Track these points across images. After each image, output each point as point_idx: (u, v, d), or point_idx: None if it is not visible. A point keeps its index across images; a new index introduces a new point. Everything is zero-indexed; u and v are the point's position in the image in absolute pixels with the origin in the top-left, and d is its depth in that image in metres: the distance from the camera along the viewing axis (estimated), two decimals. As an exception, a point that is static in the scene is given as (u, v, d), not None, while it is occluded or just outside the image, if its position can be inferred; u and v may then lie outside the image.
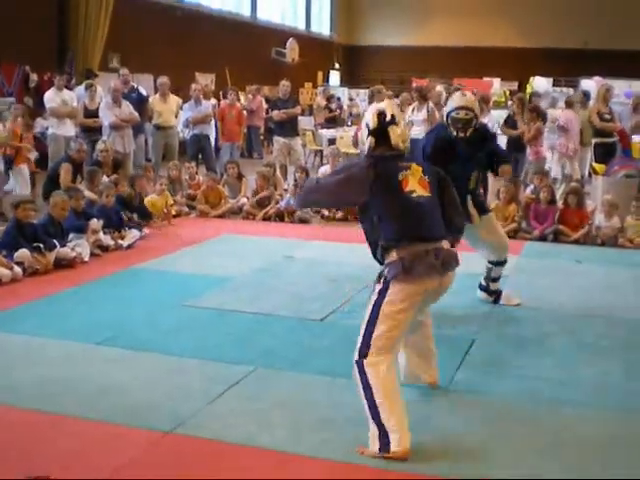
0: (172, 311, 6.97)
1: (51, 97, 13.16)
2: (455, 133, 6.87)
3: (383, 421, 4.26)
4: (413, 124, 13.77)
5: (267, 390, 5.20)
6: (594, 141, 13.84)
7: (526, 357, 6.00)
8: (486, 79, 27.19)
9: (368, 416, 4.31)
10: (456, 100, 7.02)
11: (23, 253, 8.10)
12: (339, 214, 12.22)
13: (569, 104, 13.96)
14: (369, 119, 4.85)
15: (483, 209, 7.21)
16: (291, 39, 28.48)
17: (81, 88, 14.29)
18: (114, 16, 18.88)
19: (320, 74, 31.98)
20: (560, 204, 11.44)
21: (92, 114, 13.09)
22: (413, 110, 13.99)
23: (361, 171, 4.64)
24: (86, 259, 8.79)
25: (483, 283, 7.71)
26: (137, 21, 20.12)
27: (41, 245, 8.32)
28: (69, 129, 13.13)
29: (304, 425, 4.62)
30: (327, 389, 5.23)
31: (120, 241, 9.63)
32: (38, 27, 17.40)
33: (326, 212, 12.23)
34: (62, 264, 8.47)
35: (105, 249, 9.36)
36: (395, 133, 4.79)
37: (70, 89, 14.29)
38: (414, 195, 4.59)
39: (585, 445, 4.46)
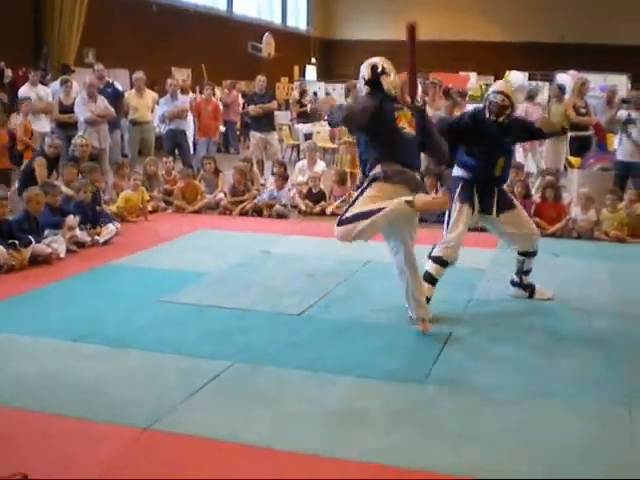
0: (149, 307, 6.95)
1: (26, 92, 13.09)
2: (488, 115, 7.10)
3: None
4: None
5: (245, 385, 5.20)
6: (569, 135, 13.90)
7: (504, 350, 6.03)
8: (462, 73, 27.23)
9: None
10: (497, 85, 7.54)
11: (-1, 250, 8.06)
12: (317, 208, 12.22)
13: (530, 97, 14.15)
14: (364, 72, 6.14)
15: (509, 205, 7.26)
16: (267, 33, 28.43)
17: (57, 83, 14.22)
18: (89, 11, 18.80)
19: (296, 69, 31.97)
20: (536, 198, 11.51)
21: (67, 109, 13.02)
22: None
23: (369, 103, 5.94)
24: (62, 255, 8.74)
25: (515, 278, 7.67)
26: (112, 16, 20.04)
27: (16, 242, 8.27)
28: (44, 125, 13.06)
29: (283, 419, 4.62)
30: (305, 383, 5.23)
31: (96, 237, 9.59)
32: (13, 22, 17.30)
33: (303, 207, 12.24)
34: (38, 260, 8.42)
35: (81, 245, 9.32)
36: (387, 81, 6.09)
37: (45, 84, 14.21)
38: (404, 131, 5.97)
39: (565, 438, 4.48)
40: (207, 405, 4.83)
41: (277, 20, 31.51)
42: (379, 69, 6.13)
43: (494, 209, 7.16)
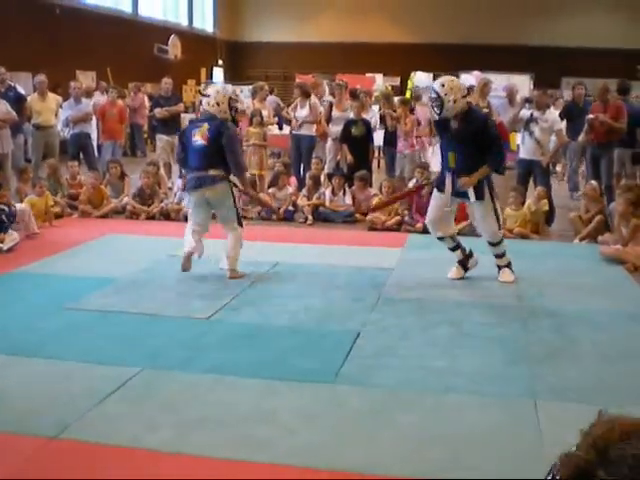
0: (54, 314, 6.84)
1: None
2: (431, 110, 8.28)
3: None
4: (297, 120, 13.85)
5: (153, 391, 5.16)
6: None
7: (411, 348, 6.11)
8: (369, 75, 27.44)
9: None
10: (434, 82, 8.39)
11: None
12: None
13: (417, 98, 14.63)
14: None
15: (478, 195, 8.11)
16: (173, 35, 28.22)
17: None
18: (-11, 13, 18.40)
19: (204, 71, 31.80)
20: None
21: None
22: (296, 107, 14.07)
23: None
24: (-36, 263, 8.55)
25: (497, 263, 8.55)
26: (14, 18, 19.65)
27: None
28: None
29: (191, 424, 4.60)
30: (214, 388, 5.22)
31: (0, 244, 9.39)
32: None
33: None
34: (-61, 269, 8.23)
35: (-17, 253, 9.12)
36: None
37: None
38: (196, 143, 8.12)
39: (468, 433, 4.56)
40: (115, 412, 4.78)
41: (183, 22, 31.28)
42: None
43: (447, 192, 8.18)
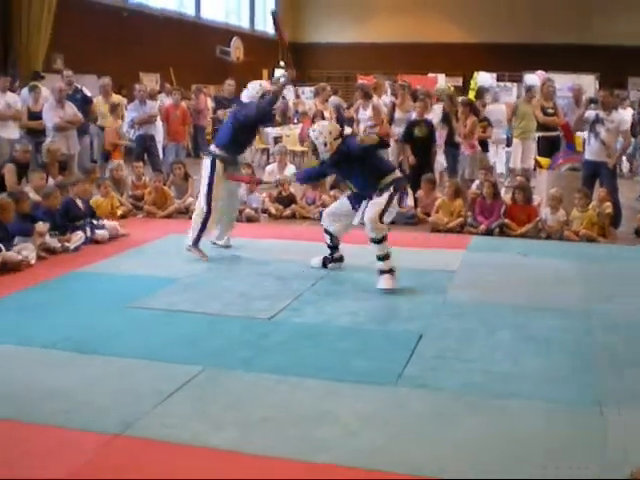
0: (119, 313, 6.92)
1: (-5, 99, 12.99)
2: None
3: None
4: (360, 122, 13.84)
5: (216, 390, 5.19)
6: (537, 135, 14.00)
7: (474, 351, 6.06)
8: (431, 75, 27.33)
9: None
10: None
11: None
12: (287, 212, 12.24)
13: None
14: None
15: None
16: (235, 38, 28.40)
17: (25, 90, 14.13)
18: (57, 16, 18.67)
19: (265, 72, 31.92)
20: (507, 199, 11.58)
21: (36, 116, 12.96)
22: (358, 109, 14.06)
23: None
24: (32, 262, 8.68)
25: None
26: (81, 21, 19.93)
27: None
28: (12, 132, 12.96)
29: (253, 424, 4.62)
30: (276, 388, 5.23)
31: (67, 244, 9.53)
32: (-21, 29, 17.17)
33: (273, 210, 12.23)
34: (8, 268, 8.37)
35: (51, 252, 9.26)
36: None
37: (13, 91, 14.11)
38: None
39: (532, 439, 4.50)
40: (178, 410, 4.82)
41: (245, 24, 31.47)
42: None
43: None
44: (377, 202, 7.99)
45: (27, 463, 4.14)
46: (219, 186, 9.10)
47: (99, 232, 10.04)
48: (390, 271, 7.95)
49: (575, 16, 29.98)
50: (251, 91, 9.20)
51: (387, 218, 8.06)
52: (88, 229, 9.92)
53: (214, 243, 9.61)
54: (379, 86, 15.89)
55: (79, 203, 10.27)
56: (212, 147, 9.34)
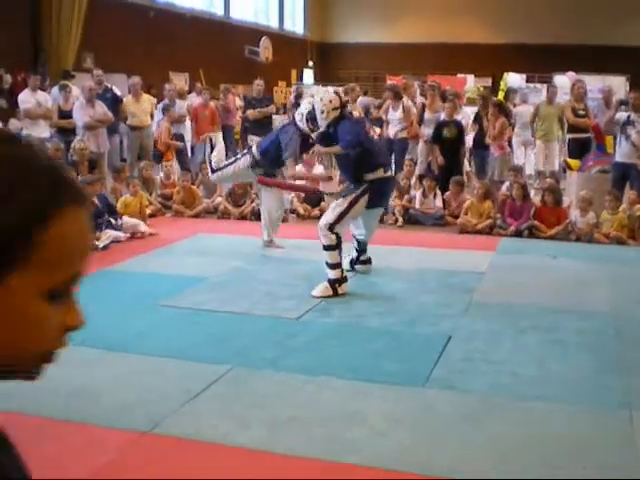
0: (147, 311, 6.95)
1: (25, 98, 13.08)
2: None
3: None
4: (389, 123, 13.81)
5: (244, 389, 5.20)
6: (568, 137, 13.93)
7: (501, 353, 6.03)
8: (460, 75, 27.26)
9: None
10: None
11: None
12: (315, 211, 12.24)
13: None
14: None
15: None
16: (264, 37, 28.43)
17: (56, 89, 14.23)
18: (87, 16, 18.78)
19: (294, 72, 31.96)
20: (536, 200, 11.52)
21: (66, 115, 13.05)
22: (388, 109, 14.02)
23: None
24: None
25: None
26: (110, 21, 20.03)
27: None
28: (43, 130, 13.06)
29: (281, 424, 4.63)
30: (303, 387, 5.24)
31: (96, 242, 9.57)
32: (11, 27, 17.28)
33: (301, 210, 12.24)
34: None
35: (80, 250, 9.29)
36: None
37: (44, 90, 14.21)
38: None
39: (559, 443, 4.47)
40: (206, 409, 4.84)
41: (274, 24, 31.50)
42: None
43: None
44: (336, 206, 7.86)
45: (57, 460, 4.16)
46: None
47: (114, 233, 10.01)
48: (336, 281, 7.58)
49: (605, 16, 29.76)
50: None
51: (343, 227, 7.81)
52: (112, 231, 9.96)
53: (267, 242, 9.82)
54: (409, 87, 15.84)
55: (95, 201, 10.31)
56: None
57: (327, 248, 7.67)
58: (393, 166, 13.82)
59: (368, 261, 8.65)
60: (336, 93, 8.26)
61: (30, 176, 0.97)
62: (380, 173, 7.91)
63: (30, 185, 0.96)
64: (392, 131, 13.76)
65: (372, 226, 8.42)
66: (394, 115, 13.77)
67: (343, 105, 8.08)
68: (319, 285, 7.60)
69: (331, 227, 7.65)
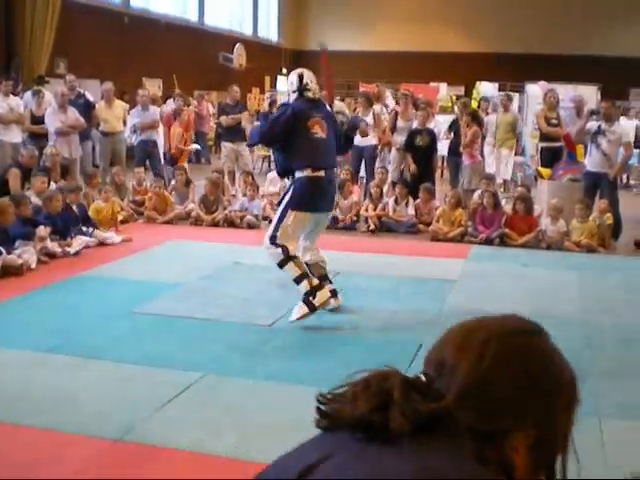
0: (121, 318, 6.93)
1: (-2, 103, 13.01)
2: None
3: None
4: None
5: (216, 396, 5.20)
6: (540, 145, 14.04)
7: (473, 360, 6.05)
8: (433, 84, 27.38)
9: None
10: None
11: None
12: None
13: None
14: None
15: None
16: (238, 44, 28.38)
17: (29, 94, 14.17)
18: (61, 21, 18.71)
19: (268, 79, 31.99)
20: (508, 208, 11.61)
21: (39, 120, 13.00)
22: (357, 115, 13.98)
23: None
24: (33, 266, 8.70)
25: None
26: (84, 26, 19.98)
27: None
28: (15, 135, 12.99)
29: (253, 430, 4.63)
30: (275, 394, 5.25)
31: (67, 248, 9.55)
32: (-17, 32, 17.22)
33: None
34: (9, 272, 8.38)
35: (52, 256, 9.27)
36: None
37: (16, 95, 14.14)
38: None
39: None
40: (178, 416, 4.84)
41: (248, 31, 31.53)
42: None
43: None
44: (274, 218, 7.32)
45: (28, 467, 4.15)
46: None
47: (85, 239, 10.00)
48: (310, 293, 6.87)
49: (577, 26, 30.02)
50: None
51: (288, 237, 7.00)
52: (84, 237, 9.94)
53: None
54: (381, 94, 15.89)
55: (74, 209, 10.30)
56: None
57: (280, 265, 7.01)
58: (363, 172, 13.86)
59: (334, 294, 7.38)
60: (299, 75, 7.33)
61: (566, 368, 1.49)
62: (307, 172, 6.96)
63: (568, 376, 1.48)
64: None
65: (315, 234, 7.49)
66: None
67: (304, 88, 7.24)
68: (295, 308, 6.92)
69: (273, 239, 6.96)
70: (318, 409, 1.47)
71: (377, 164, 13.73)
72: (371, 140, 13.54)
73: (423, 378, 1.43)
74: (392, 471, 1.25)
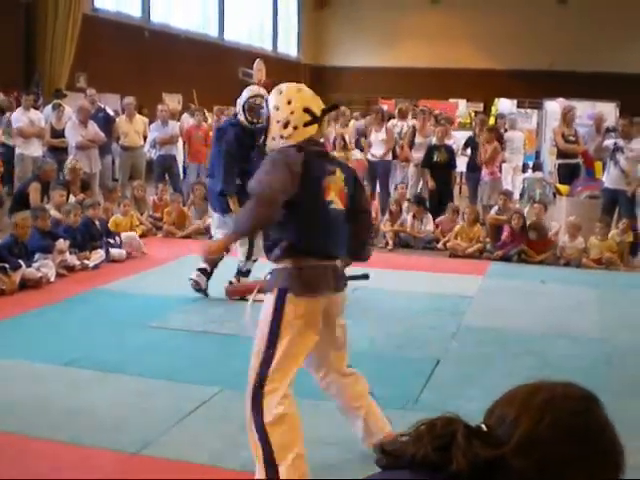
0: (139, 332, 6.96)
1: (18, 117, 13.11)
2: (251, 119, 7.83)
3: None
4: (371, 145, 13.73)
5: (234, 411, 5.19)
6: (558, 162, 14.02)
7: (491, 378, 6.04)
8: (452, 100, 27.41)
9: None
10: (251, 90, 8.29)
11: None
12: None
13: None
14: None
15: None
16: (258, 60, 28.48)
17: (49, 108, 14.28)
18: (81, 36, 18.87)
19: (287, 94, 32.05)
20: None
21: (59, 134, 13.09)
22: (370, 131, 13.95)
23: (290, 165, 3.98)
24: (52, 279, 8.75)
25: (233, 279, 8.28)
26: (104, 41, 20.13)
27: (6, 265, 8.27)
28: (36, 149, 13.08)
29: (271, 446, 4.63)
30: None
31: (86, 261, 9.60)
32: (4, 47, 17.36)
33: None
34: (28, 285, 8.43)
35: (71, 269, 9.33)
36: (323, 125, 4.42)
37: (37, 109, 14.25)
38: (332, 207, 4.15)
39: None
40: (196, 430, 4.85)
41: (268, 46, 31.67)
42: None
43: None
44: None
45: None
46: None
47: (115, 251, 10.11)
48: None
49: (596, 44, 29.97)
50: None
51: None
52: (103, 250, 9.98)
53: None
54: (406, 111, 15.55)
55: (96, 223, 10.37)
56: None
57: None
58: (377, 187, 13.82)
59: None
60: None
61: (617, 438, 1.56)
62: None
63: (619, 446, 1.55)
64: (375, 153, 13.67)
65: None
66: (377, 137, 13.74)
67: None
68: None
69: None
70: (380, 447, 1.58)
71: (396, 180, 13.74)
72: (384, 155, 13.55)
73: (484, 428, 1.57)
74: None
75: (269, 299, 4.27)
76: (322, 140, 4.55)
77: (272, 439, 3.92)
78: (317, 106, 4.24)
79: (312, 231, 4.12)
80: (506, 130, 16.01)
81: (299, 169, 3.97)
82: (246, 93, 8.17)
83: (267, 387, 4.05)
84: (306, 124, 4.15)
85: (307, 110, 4.15)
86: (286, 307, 4.15)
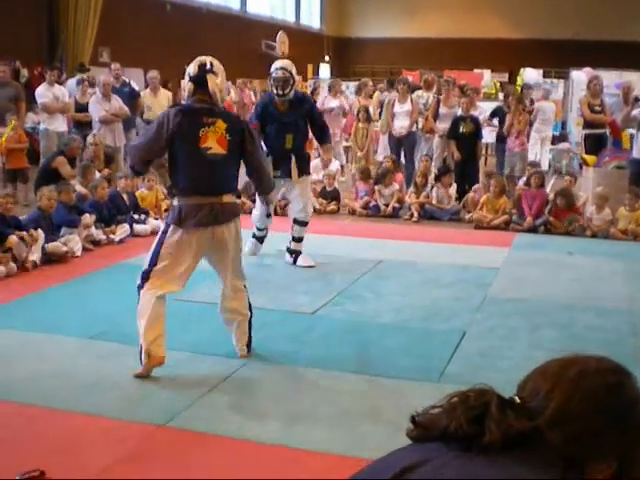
0: (164, 305, 6.96)
1: (43, 92, 13.11)
2: (275, 91, 8.25)
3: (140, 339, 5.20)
4: (395, 116, 13.57)
5: (259, 383, 5.22)
6: (584, 132, 13.90)
7: (517, 349, 6.02)
8: (477, 71, 27.20)
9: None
10: (276, 63, 8.52)
11: (11, 238, 8.03)
12: (331, 206, 12.25)
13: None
14: (190, 68, 5.42)
15: (303, 170, 8.50)
16: (281, 32, 28.46)
17: (73, 82, 14.27)
18: (104, 10, 18.86)
19: (310, 67, 31.95)
20: (551, 196, 11.49)
21: (83, 108, 13.10)
22: (394, 102, 13.75)
23: (164, 121, 5.21)
24: (78, 254, 8.79)
25: (288, 244, 8.82)
26: (127, 15, 20.11)
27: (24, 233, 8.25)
28: (61, 124, 13.10)
29: (295, 417, 4.64)
30: (318, 382, 5.25)
31: (112, 235, 9.63)
32: (28, 22, 17.38)
33: (317, 205, 12.22)
34: (54, 259, 8.47)
35: (97, 243, 9.37)
36: (212, 80, 5.33)
37: (60, 84, 14.25)
38: (209, 152, 5.23)
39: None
40: (222, 402, 4.86)
41: (290, 18, 31.54)
42: (207, 66, 5.39)
43: (294, 173, 8.40)
44: (306, 186, 8.73)
45: (72, 451, 4.19)
46: None
47: (140, 227, 10.13)
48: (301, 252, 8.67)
49: (623, 12, 29.62)
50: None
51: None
52: (127, 224, 10.00)
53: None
54: (432, 82, 15.27)
55: (124, 197, 10.39)
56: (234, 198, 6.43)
57: (306, 223, 8.70)
58: (402, 160, 13.73)
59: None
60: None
61: None
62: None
63: None
64: (399, 125, 13.54)
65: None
66: (403, 108, 13.59)
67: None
68: (303, 258, 8.67)
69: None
70: (413, 419, 1.63)
71: (421, 152, 13.64)
72: (410, 127, 13.46)
73: (517, 400, 1.58)
74: (484, 476, 1.42)
75: (161, 228, 5.54)
76: (213, 95, 5.30)
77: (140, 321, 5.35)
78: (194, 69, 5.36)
79: (188, 173, 5.27)
80: (532, 101, 15.84)
81: (172, 126, 5.14)
82: (272, 67, 8.45)
83: (147, 286, 5.41)
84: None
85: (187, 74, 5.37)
86: (167, 236, 5.29)
